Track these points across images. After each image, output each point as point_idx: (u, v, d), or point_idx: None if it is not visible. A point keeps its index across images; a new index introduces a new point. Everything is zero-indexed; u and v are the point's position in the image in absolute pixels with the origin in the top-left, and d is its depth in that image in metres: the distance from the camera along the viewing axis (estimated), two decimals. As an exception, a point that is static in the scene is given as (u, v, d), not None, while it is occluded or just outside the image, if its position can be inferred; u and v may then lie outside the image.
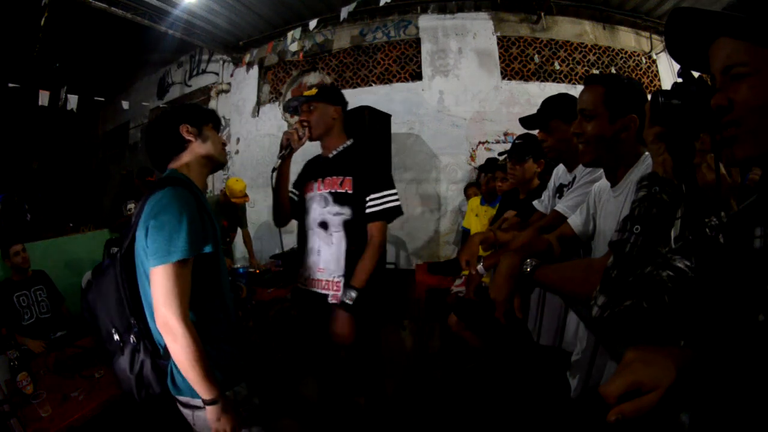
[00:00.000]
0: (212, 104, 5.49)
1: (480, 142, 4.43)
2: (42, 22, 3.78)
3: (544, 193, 1.73)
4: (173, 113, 1.22)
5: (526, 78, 4.46)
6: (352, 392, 2.02)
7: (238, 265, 3.42)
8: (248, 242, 3.85)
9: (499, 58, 4.44)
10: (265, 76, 5.29)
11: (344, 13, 3.83)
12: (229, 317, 1.23)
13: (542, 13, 4.36)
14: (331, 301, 1.65)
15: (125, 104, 5.35)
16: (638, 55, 4.63)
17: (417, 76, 4.55)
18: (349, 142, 1.73)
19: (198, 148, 1.20)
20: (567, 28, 4.50)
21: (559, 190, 1.62)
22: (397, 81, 4.61)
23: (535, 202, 1.75)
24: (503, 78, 4.44)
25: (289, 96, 5.00)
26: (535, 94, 4.31)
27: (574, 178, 1.49)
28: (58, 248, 3.43)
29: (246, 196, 3.46)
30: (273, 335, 2.83)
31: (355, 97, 4.48)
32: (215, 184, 5.41)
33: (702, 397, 0.49)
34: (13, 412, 1.39)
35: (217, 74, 5.56)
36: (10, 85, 3.92)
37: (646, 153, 1.04)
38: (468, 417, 2.15)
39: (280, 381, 2.67)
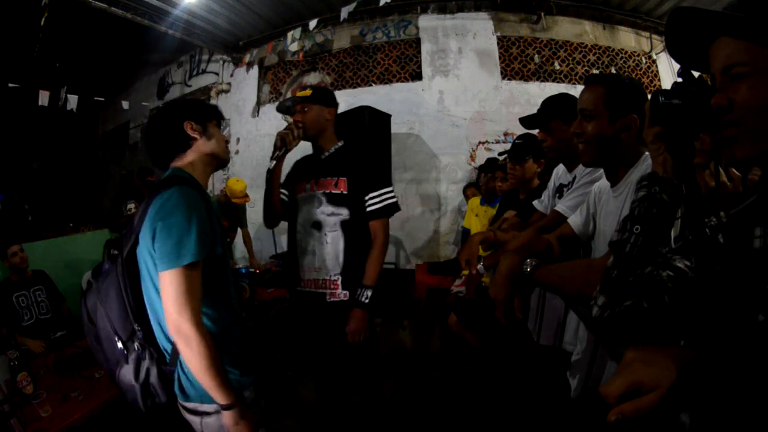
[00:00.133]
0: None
1: (480, 142, 4.43)
2: (42, 22, 3.78)
3: (544, 193, 1.73)
4: (176, 109, 1.17)
5: (526, 78, 4.46)
6: (349, 392, 2.02)
7: (240, 266, 3.43)
8: (248, 242, 3.86)
9: (499, 58, 4.44)
10: (265, 76, 5.29)
11: (344, 13, 3.83)
12: (236, 319, 1.20)
13: (542, 13, 4.35)
14: (329, 300, 1.67)
15: (125, 104, 5.35)
16: (638, 55, 4.63)
17: (417, 76, 4.55)
18: (340, 144, 1.75)
19: (203, 146, 1.16)
20: (567, 28, 4.50)
21: (559, 190, 1.62)
22: (397, 81, 4.61)
23: (535, 202, 1.75)
24: (503, 78, 4.44)
25: (289, 96, 5.00)
26: (535, 94, 4.31)
27: (574, 178, 1.49)
28: (58, 248, 3.43)
29: (247, 196, 3.46)
30: (273, 335, 2.83)
31: (355, 97, 4.49)
32: (215, 184, 5.41)
33: (702, 397, 0.49)
34: (13, 412, 1.39)
35: (217, 74, 5.56)
36: (10, 85, 3.92)
37: (647, 153, 1.04)
38: (468, 417, 2.15)
39: (281, 381, 2.67)
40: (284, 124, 1.68)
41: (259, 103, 5.27)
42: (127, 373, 1.08)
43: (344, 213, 1.66)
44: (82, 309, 1.14)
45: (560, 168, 1.65)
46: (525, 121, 1.63)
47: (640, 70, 4.61)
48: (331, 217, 1.67)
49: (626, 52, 4.60)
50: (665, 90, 0.69)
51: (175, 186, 1.04)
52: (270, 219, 1.76)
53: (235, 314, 1.20)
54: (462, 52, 4.46)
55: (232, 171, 5.26)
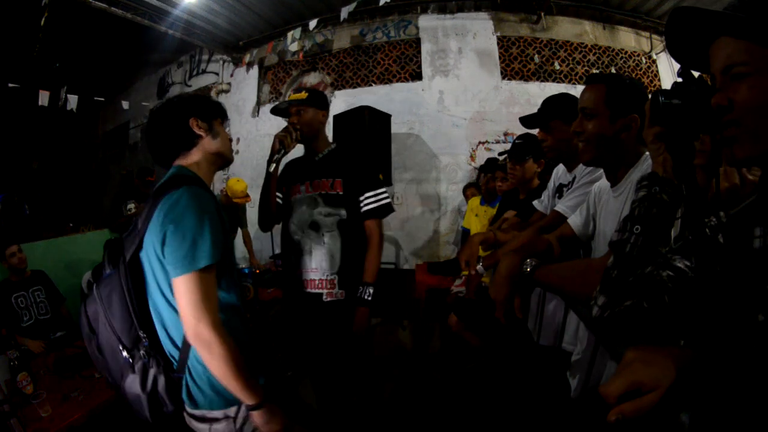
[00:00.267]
0: (212, 104, 5.48)
1: (480, 142, 4.43)
2: (42, 22, 3.78)
3: (544, 193, 1.73)
4: (181, 105, 1.12)
5: (526, 78, 4.46)
6: (347, 392, 2.02)
7: (242, 266, 3.42)
8: (248, 242, 3.86)
9: (499, 58, 4.44)
10: (265, 76, 5.29)
11: (344, 13, 3.83)
12: (244, 320, 1.18)
13: (542, 13, 4.35)
14: (326, 300, 1.68)
15: (125, 104, 5.35)
16: (638, 55, 4.63)
17: (417, 76, 4.55)
18: (333, 146, 1.79)
19: (208, 145, 1.11)
20: (567, 28, 4.50)
21: (559, 190, 1.61)
22: (397, 81, 4.61)
23: (535, 202, 1.75)
24: (503, 78, 4.44)
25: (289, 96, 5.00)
26: (535, 94, 4.31)
27: (574, 178, 1.49)
28: (58, 248, 3.42)
29: (247, 196, 3.46)
30: (273, 335, 2.82)
31: (355, 97, 4.49)
32: (215, 184, 5.41)
33: (702, 397, 0.49)
34: (13, 412, 1.39)
35: (217, 74, 5.56)
36: (10, 85, 3.92)
37: (647, 153, 1.04)
38: (468, 417, 2.15)
39: (280, 382, 2.67)
40: (284, 125, 1.68)
41: (259, 103, 5.27)
42: (132, 383, 1.03)
43: (341, 213, 1.69)
44: (82, 318, 1.08)
45: (560, 168, 1.65)
46: (525, 120, 1.63)
47: (640, 70, 4.61)
48: (328, 217, 1.69)
49: (626, 52, 4.61)
50: (665, 90, 0.69)
51: (183, 186, 0.99)
52: (266, 222, 1.77)
53: (242, 315, 1.17)
54: (462, 52, 4.46)
55: (232, 171, 5.26)
